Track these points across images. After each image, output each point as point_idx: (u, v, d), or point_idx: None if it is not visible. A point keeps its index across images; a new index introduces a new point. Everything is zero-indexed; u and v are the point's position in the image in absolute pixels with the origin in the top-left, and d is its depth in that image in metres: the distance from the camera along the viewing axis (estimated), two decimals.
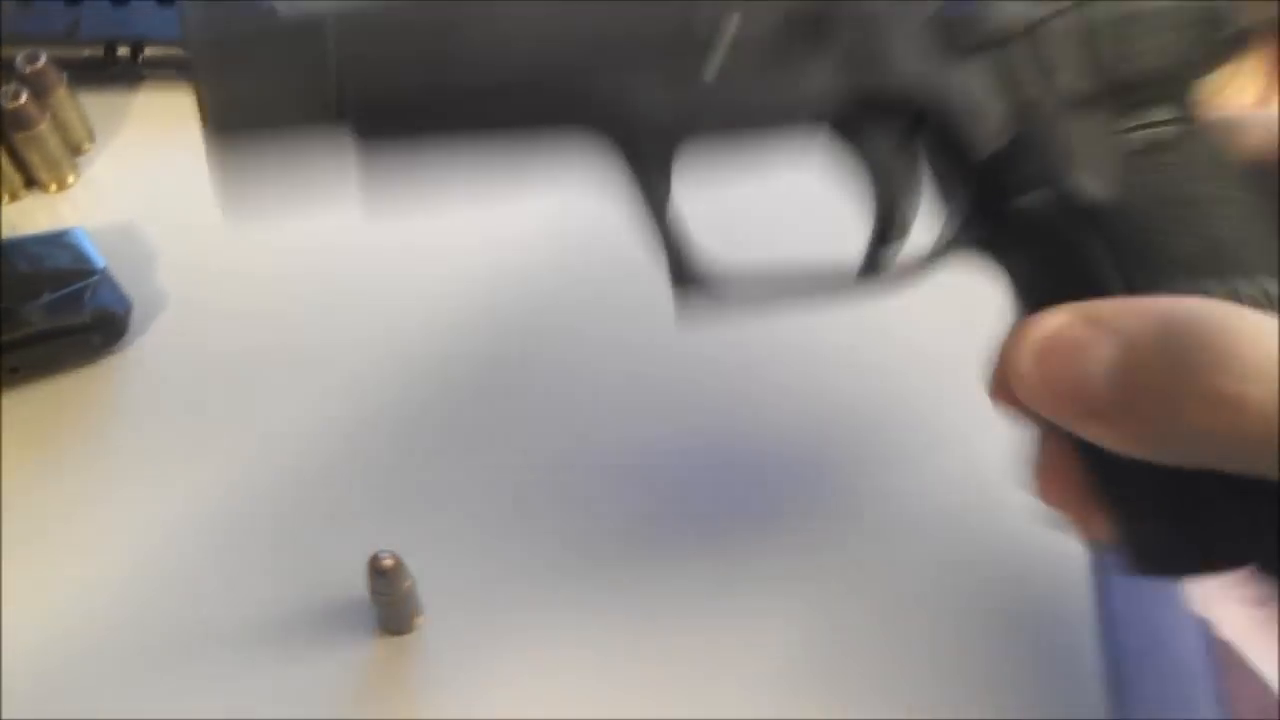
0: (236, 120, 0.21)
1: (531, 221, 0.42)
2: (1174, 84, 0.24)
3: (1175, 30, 0.24)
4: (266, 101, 0.21)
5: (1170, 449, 0.21)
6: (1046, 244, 0.24)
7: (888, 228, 0.26)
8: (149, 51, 0.44)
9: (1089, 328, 0.21)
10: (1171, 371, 0.20)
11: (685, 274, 0.24)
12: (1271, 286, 0.23)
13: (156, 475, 0.36)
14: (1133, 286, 0.23)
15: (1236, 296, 0.22)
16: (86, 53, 0.44)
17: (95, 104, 0.45)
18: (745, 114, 0.23)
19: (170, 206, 0.42)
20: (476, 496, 0.36)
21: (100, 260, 0.39)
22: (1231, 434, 0.19)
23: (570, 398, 0.38)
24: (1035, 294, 0.24)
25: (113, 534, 0.35)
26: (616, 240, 0.30)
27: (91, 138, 0.45)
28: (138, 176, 0.44)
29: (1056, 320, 0.22)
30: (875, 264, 0.26)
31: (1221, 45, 0.24)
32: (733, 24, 0.22)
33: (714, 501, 0.36)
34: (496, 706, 0.33)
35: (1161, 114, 0.24)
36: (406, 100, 0.22)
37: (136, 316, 0.39)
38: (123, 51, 0.44)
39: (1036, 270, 0.25)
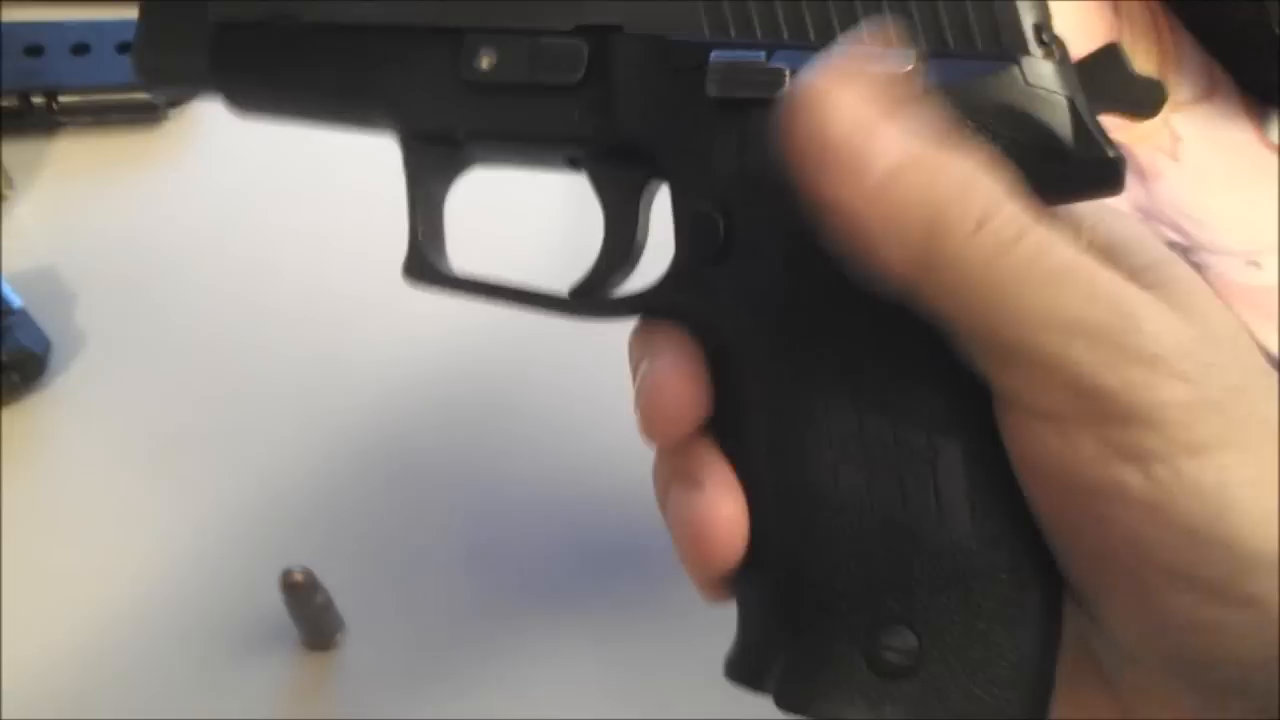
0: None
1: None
2: None
3: None
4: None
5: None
6: (720, 322, 0.24)
7: (609, 262, 0.27)
8: (64, 99, 0.45)
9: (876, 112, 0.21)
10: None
11: (419, 266, 0.27)
12: (909, 435, 0.23)
13: (79, 509, 0.37)
14: (764, 385, 0.24)
15: (871, 439, 0.23)
16: (3, 102, 0.45)
17: (12, 151, 0.46)
18: (503, 134, 0.26)
19: (89, 248, 0.43)
20: (402, 519, 0.37)
21: (17, 301, 0.40)
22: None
23: (499, 432, 0.40)
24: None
25: (34, 567, 0.36)
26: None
27: (10, 184, 0.45)
28: (56, 220, 0.45)
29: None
30: (589, 291, 0.27)
31: None
32: (488, 58, 0.25)
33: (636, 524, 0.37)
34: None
35: None
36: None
37: (56, 356, 0.40)
38: (38, 100, 0.45)
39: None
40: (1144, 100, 0.24)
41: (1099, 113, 0.23)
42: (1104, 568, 0.21)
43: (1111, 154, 0.23)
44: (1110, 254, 0.23)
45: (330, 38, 0.27)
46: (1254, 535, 0.19)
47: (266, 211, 0.44)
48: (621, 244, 0.27)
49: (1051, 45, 0.23)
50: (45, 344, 0.40)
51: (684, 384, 0.24)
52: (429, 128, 0.27)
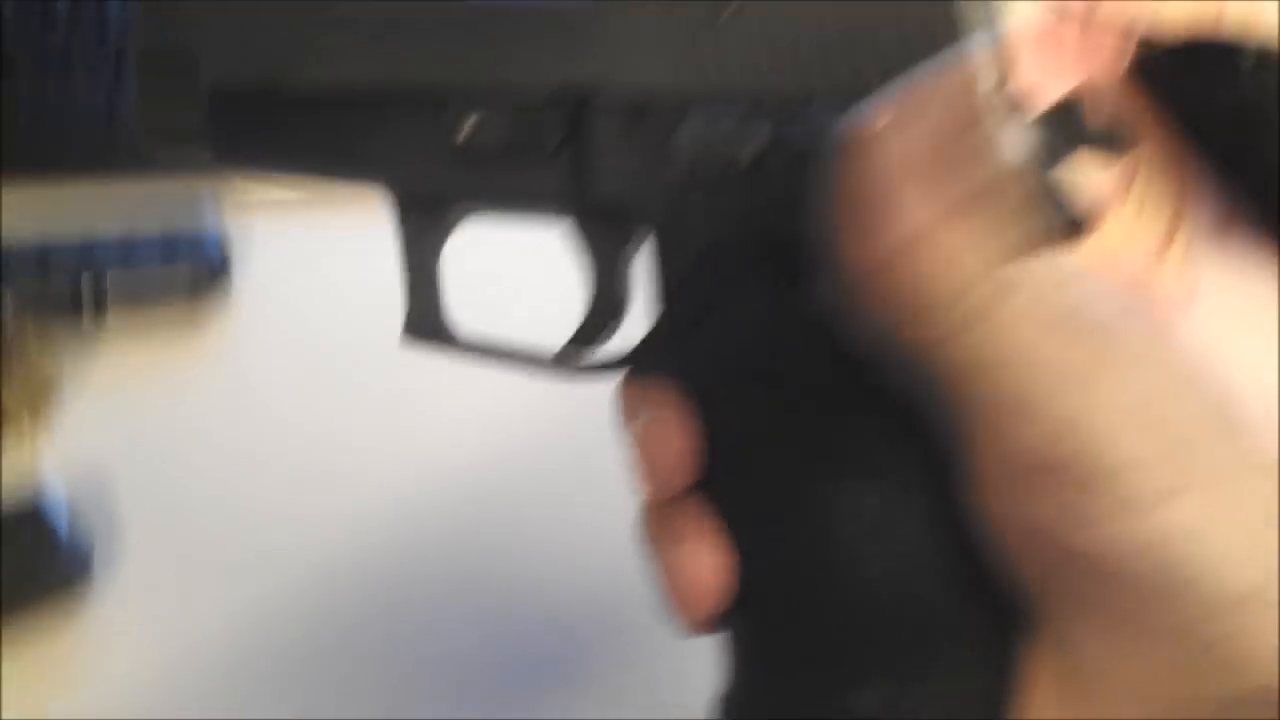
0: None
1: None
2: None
3: None
4: None
5: None
6: (701, 384, 0.25)
7: (590, 325, 0.28)
8: (111, 284, 0.46)
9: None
10: None
11: (421, 326, 0.28)
12: (866, 488, 0.23)
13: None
14: (747, 450, 0.24)
15: (843, 491, 0.23)
16: (54, 290, 0.46)
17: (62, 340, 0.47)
18: (488, 197, 0.27)
19: (133, 439, 0.43)
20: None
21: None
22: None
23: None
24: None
25: None
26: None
27: (59, 375, 0.46)
28: (102, 413, 0.45)
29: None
30: (575, 352, 0.28)
31: None
32: (470, 123, 0.26)
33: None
34: None
35: None
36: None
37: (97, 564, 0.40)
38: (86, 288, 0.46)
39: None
40: (1112, 140, 0.24)
41: (1068, 154, 0.23)
42: (1081, 619, 0.22)
43: (1074, 214, 0.23)
44: (1065, 311, 0.23)
45: (319, 105, 0.27)
46: (1219, 577, 0.20)
47: (307, 395, 0.44)
48: (603, 306, 0.27)
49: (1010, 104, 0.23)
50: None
51: (680, 437, 0.25)
52: (418, 191, 0.28)
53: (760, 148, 0.24)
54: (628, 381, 0.26)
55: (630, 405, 0.26)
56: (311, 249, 0.49)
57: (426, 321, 0.28)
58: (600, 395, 0.28)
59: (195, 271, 0.45)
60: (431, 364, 0.30)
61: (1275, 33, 0.51)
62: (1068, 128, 0.23)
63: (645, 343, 0.26)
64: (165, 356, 0.46)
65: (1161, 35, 0.49)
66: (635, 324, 0.27)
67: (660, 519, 0.25)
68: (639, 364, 0.26)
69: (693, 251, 0.24)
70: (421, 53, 0.27)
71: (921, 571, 0.23)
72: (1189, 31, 0.48)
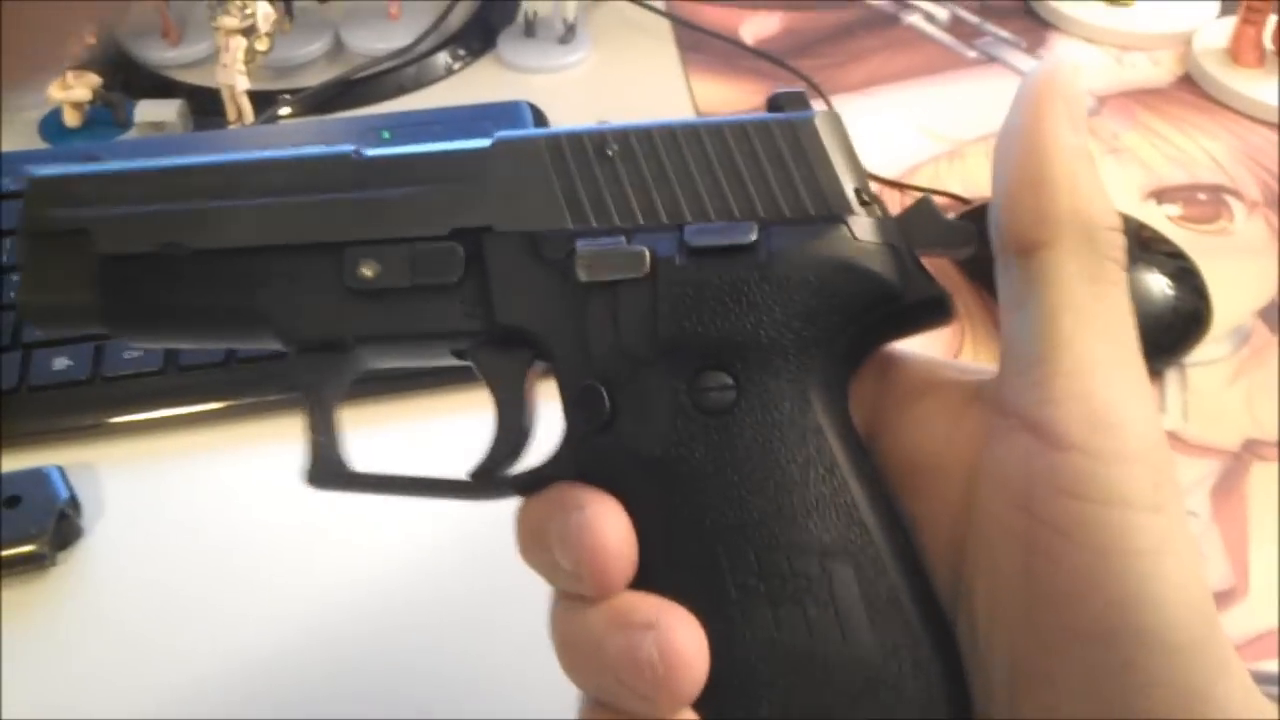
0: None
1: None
2: (736, 352, 0.25)
3: (738, 302, 0.25)
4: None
5: None
6: (619, 485, 0.25)
7: (502, 446, 0.28)
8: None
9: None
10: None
11: (320, 472, 0.28)
12: (803, 564, 0.24)
13: None
14: (666, 537, 0.25)
15: (769, 573, 0.24)
16: None
17: None
18: (391, 335, 0.28)
19: None
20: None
21: None
22: None
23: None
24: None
25: None
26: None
27: None
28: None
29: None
30: (488, 474, 0.28)
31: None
32: (370, 267, 0.27)
33: None
34: None
35: (720, 380, 0.25)
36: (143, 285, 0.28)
37: None
38: None
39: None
40: (958, 241, 0.26)
41: (921, 255, 0.26)
42: (1040, 628, 0.23)
43: (937, 291, 0.26)
44: None
45: (216, 262, 0.28)
46: (1167, 607, 0.22)
47: (168, 635, 0.41)
48: (512, 427, 0.28)
49: (872, 204, 0.26)
50: None
51: (620, 526, 0.25)
52: (319, 337, 0.28)
53: (653, 261, 0.25)
54: (545, 494, 0.26)
55: (555, 510, 0.26)
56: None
57: (329, 466, 0.28)
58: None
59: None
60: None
61: None
62: (922, 223, 0.26)
63: (560, 451, 0.27)
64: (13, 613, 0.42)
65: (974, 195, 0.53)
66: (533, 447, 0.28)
67: (611, 615, 0.25)
68: (557, 473, 0.26)
69: (596, 361, 0.26)
70: (314, 212, 0.28)
71: (851, 632, 0.24)
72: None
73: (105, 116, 0.63)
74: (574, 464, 0.26)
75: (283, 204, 0.28)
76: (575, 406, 0.26)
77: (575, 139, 0.27)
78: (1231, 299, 0.51)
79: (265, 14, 0.61)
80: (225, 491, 0.45)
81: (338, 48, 0.69)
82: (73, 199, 0.28)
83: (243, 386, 0.47)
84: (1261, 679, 0.38)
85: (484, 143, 0.27)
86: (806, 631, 0.24)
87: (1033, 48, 0.69)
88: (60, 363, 0.47)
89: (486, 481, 0.28)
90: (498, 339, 0.27)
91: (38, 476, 0.44)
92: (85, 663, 0.40)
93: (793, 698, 0.24)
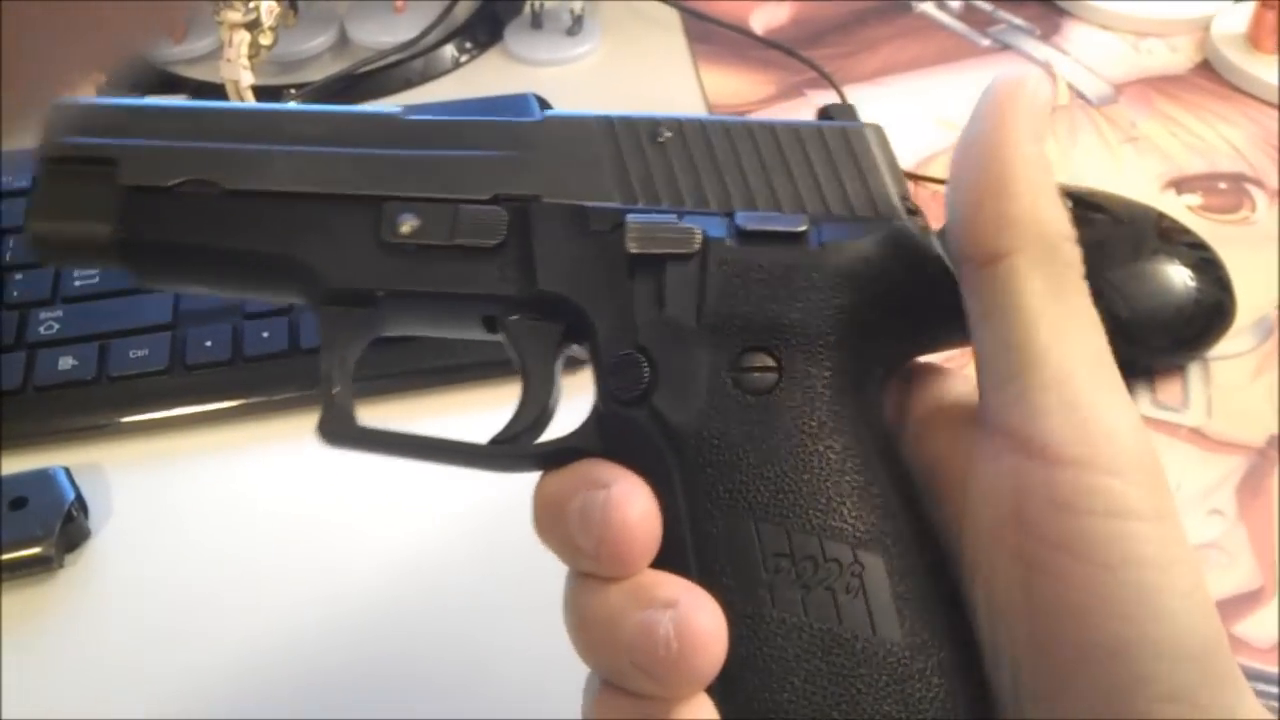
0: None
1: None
2: (781, 335, 0.25)
3: (797, 288, 0.25)
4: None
5: None
6: (647, 461, 0.25)
7: (525, 419, 0.27)
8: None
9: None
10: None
11: (334, 427, 0.27)
12: (836, 550, 0.24)
13: None
14: (695, 515, 0.24)
15: (801, 556, 0.24)
16: None
17: None
18: (424, 292, 0.27)
19: None
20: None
21: None
22: None
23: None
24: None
25: None
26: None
27: None
28: None
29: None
30: (507, 443, 0.27)
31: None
32: (409, 223, 0.27)
33: None
34: None
35: (764, 361, 0.25)
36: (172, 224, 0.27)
37: None
38: None
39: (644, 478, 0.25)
40: None
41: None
42: (1048, 642, 0.22)
43: None
44: None
45: (248, 204, 0.27)
46: (1176, 618, 0.21)
47: (176, 637, 0.41)
48: (537, 399, 0.27)
49: (917, 213, 0.26)
50: None
51: (645, 505, 0.25)
52: (348, 289, 0.27)
53: (705, 240, 0.25)
54: (560, 472, 0.26)
55: (579, 485, 0.25)
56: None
57: (342, 422, 0.27)
58: None
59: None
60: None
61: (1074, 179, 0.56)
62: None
63: (587, 424, 0.26)
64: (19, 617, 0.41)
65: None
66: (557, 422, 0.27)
67: (631, 594, 0.24)
68: (581, 445, 0.26)
69: (638, 333, 0.26)
70: (356, 164, 0.27)
71: (881, 624, 0.23)
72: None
73: None
74: (600, 439, 0.26)
75: (324, 153, 0.27)
76: (612, 374, 0.26)
77: (627, 122, 0.27)
78: (1254, 291, 0.50)
79: (269, 8, 0.61)
80: (233, 492, 0.45)
81: (343, 41, 0.68)
82: (99, 128, 0.27)
83: (250, 386, 0.47)
84: (1256, 677, 0.38)
85: (535, 117, 0.28)
86: (836, 618, 0.24)
87: (1047, 35, 0.68)
88: (66, 362, 0.46)
89: (507, 450, 0.27)
90: (533, 307, 0.27)
91: (44, 478, 0.43)
92: (92, 666, 0.40)
93: (816, 684, 0.23)
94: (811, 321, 0.25)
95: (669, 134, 0.27)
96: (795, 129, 0.27)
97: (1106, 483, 0.22)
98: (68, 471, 0.43)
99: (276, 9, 0.61)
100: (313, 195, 0.27)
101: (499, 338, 0.28)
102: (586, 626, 0.25)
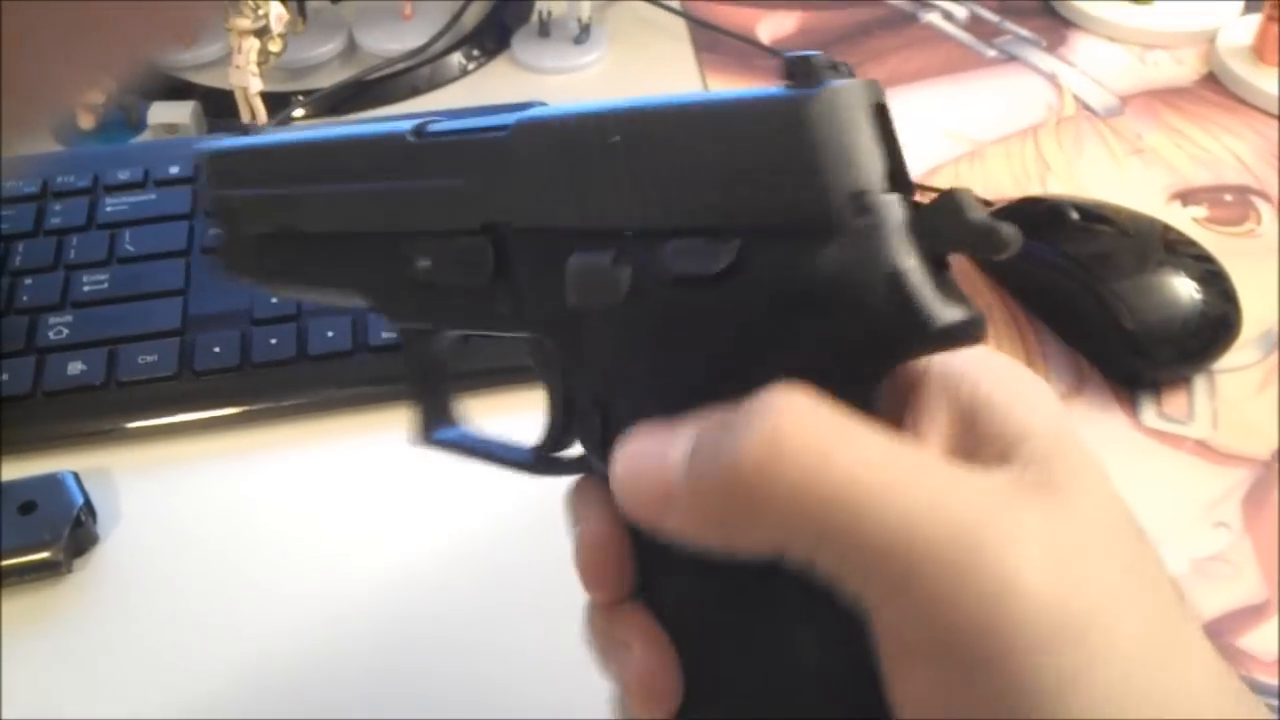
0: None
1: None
2: (720, 381, 0.22)
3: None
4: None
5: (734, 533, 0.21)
6: None
7: (552, 433, 0.28)
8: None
9: (665, 428, 0.22)
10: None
11: (424, 439, 0.31)
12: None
13: None
14: (662, 554, 0.23)
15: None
16: None
17: None
18: (453, 327, 0.29)
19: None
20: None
21: None
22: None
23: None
24: None
25: None
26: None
27: None
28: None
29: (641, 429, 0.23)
30: (543, 456, 0.29)
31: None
32: (424, 261, 0.28)
33: None
34: None
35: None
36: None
37: None
38: None
39: None
40: (991, 243, 0.21)
41: (947, 253, 0.22)
42: None
43: (961, 317, 0.21)
44: (968, 421, 0.21)
45: (320, 244, 0.30)
46: None
47: (184, 643, 0.41)
48: (557, 423, 0.28)
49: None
50: None
51: (618, 542, 0.25)
52: (401, 323, 0.30)
53: (632, 287, 0.23)
54: (578, 484, 0.27)
55: (577, 508, 0.26)
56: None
57: (421, 432, 0.30)
58: None
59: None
60: None
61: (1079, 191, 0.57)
62: (947, 220, 0.21)
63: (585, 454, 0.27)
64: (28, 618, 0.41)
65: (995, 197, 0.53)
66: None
67: (606, 623, 0.25)
68: (580, 468, 0.27)
69: (592, 381, 0.25)
70: (372, 201, 0.28)
71: (828, 690, 0.22)
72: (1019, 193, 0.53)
73: (119, 119, 0.63)
74: (587, 463, 0.27)
75: (350, 191, 0.29)
76: (578, 423, 0.26)
77: (586, 123, 0.24)
78: (1260, 303, 0.50)
79: (278, 15, 0.61)
80: (241, 497, 0.45)
81: (351, 48, 0.69)
82: (229, 179, 0.32)
83: (259, 391, 0.47)
84: (1261, 691, 0.38)
85: (505, 127, 0.26)
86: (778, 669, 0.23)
87: (1053, 46, 0.68)
88: (75, 367, 0.46)
89: (542, 461, 0.29)
90: (537, 332, 0.27)
91: (53, 482, 0.43)
92: (100, 671, 0.40)
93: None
94: (749, 368, 0.22)
95: (618, 136, 0.24)
96: (738, 107, 0.22)
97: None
98: (76, 476, 0.43)
99: (285, 16, 0.62)
100: (353, 234, 0.29)
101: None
102: (588, 634, 0.26)
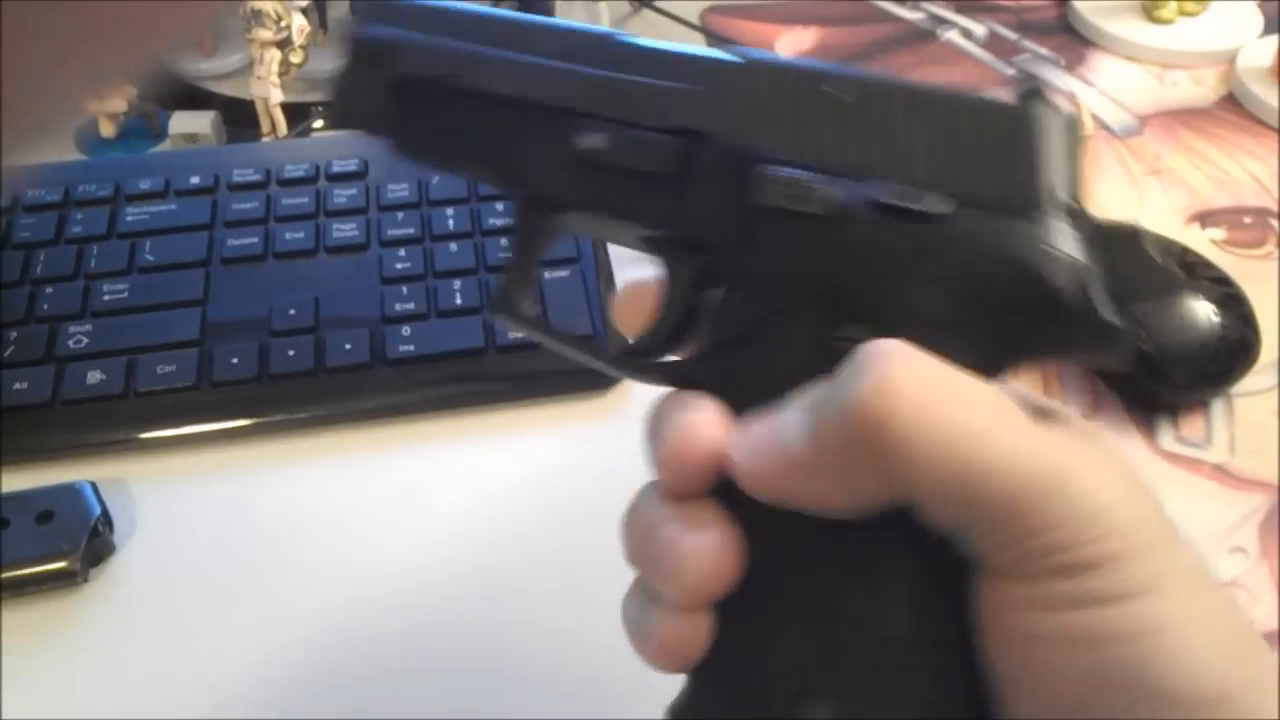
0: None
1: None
2: (887, 312, 0.25)
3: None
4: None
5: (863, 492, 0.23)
6: (738, 399, 0.25)
7: (655, 335, 0.29)
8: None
9: (773, 412, 0.24)
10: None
11: (504, 306, 0.31)
12: None
13: None
14: None
15: None
16: None
17: None
18: (597, 209, 0.29)
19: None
20: None
21: None
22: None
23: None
24: None
25: None
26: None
27: None
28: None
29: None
30: (634, 354, 0.30)
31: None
32: (596, 139, 0.28)
33: None
34: None
35: (863, 333, 0.24)
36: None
37: None
38: None
39: None
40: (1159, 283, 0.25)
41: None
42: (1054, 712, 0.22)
43: (1113, 323, 0.24)
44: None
45: (476, 103, 0.30)
46: (1178, 676, 0.21)
47: (200, 653, 0.41)
48: (670, 322, 0.29)
49: (1078, 216, 0.25)
50: None
51: (714, 431, 0.25)
52: (541, 194, 0.30)
53: (839, 205, 0.25)
54: (672, 394, 0.27)
55: (675, 406, 0.26)
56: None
57: (508, 304, 0.31)
58: None
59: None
60: None
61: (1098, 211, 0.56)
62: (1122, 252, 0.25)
63: (699, 355, 0.28)
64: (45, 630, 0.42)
65: None
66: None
67: (677, 507, 0.25)
68: (684, 374, 0.27)
69: (755, 282, 0.26)
70: (565, 78, 0.29)
71: (891, 611, 0.24)
72: None
73: (140, 127, 0.63)
74: (701, 368, 0.27)
75: (542, 65, 0.29)
76: (723, 313, 0.27)
77: (821, 77, 0.27)
78: (1278, 327, 0.50)
79: (300, 27, 0.61)
80: (258, 508, 0.45)
81: None
82: (389, 20, 0.31)
83: (276, 403, 0.47)
84: None
85: (743, 60, 0.28)
86: (839, 593, 0.24)
87: (1072, 65, 0.68)
88: (94, 376, 0.47)
89: (633, 362, 0.29)
90: (681, 239, 0.28)
91: (70, 492, 0.43)
92: (115, 680, 0.40)
93: (807, 642, 0.24)
94: (922, 306, 0.25)
95: (849, 98, 0.26)
96: (967, 101, 0.26)
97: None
98: (94, 486, 0.44)
99: (307, 28, 0.62)
100: (527, 102, 0.29)
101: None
102: (633, 520, 0.26)
